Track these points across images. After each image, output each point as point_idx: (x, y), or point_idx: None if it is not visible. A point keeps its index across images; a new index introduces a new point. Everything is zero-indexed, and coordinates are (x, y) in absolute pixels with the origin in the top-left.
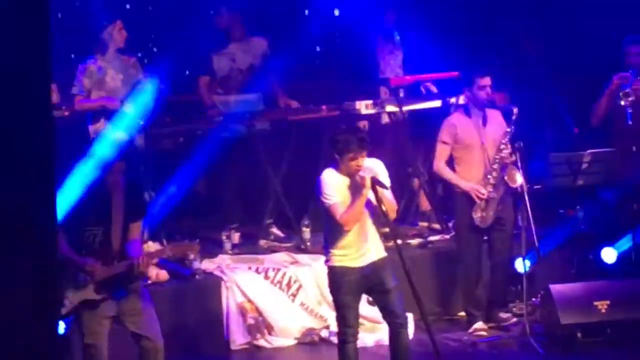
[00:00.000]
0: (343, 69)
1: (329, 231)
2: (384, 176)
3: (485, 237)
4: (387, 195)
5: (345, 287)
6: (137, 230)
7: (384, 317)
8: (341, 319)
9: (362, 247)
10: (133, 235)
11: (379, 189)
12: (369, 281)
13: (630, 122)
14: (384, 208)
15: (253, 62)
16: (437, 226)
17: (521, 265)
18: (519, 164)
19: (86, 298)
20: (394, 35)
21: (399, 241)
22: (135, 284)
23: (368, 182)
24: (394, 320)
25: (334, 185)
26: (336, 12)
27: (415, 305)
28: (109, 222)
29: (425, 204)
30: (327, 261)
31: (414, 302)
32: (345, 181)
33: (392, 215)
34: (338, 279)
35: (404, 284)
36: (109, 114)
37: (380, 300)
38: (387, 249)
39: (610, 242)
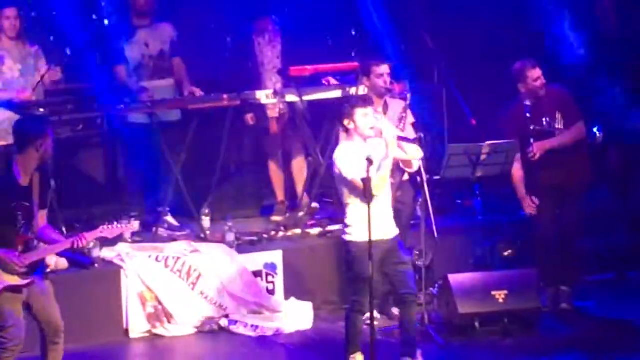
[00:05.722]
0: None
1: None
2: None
3: None
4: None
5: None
6: (45, 215)
7: (396, 290)
8: (360, 290)
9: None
10: (43, 220)
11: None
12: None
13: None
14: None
15: (163, 47)
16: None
17: (420, 256)
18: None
19: (11, 284)
20: (273, 25)
21: (298, 230)
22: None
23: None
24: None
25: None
26: None
27: (314, 294)
28: (32, 208)
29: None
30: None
31: (313, 290)
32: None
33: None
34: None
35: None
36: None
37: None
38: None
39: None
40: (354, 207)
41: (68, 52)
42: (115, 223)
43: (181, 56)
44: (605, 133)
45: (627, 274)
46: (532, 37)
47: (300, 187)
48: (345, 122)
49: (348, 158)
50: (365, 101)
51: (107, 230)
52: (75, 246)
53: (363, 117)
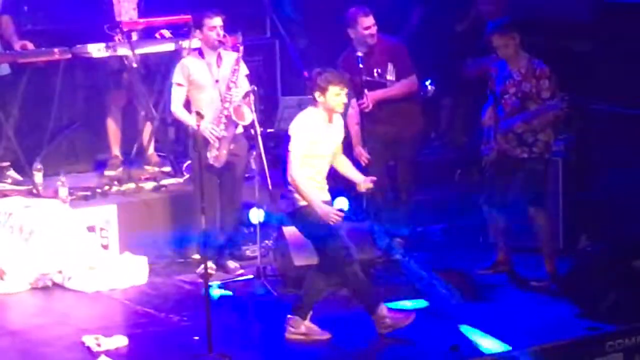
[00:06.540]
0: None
1: None
2: None
3: (218, 181)
4: None
5: None
6: None
7: None
8: None
9: None
10: None
11: None
12: None
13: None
14: None
15: None
16: (167, 169)
17: (255, 212)
18: (252, 107)
19: None
20: None
21: (132, 185)
22: None
23: None
24: None
25: None
26: None
27: (148, 249)
28: None
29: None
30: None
31: (148, 244)
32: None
33: None
34: None
35: None
36: None
37: None
38: None
39: None
40: None
41: None
42: None
43: (11, 14)
44: (437, 86)
45: (458, 224)
46: None
47: (146, 141)
48: (316, 94)
49: (304, 129)
50: (341, 80)
51: None
52: None
53: (335, 96)
